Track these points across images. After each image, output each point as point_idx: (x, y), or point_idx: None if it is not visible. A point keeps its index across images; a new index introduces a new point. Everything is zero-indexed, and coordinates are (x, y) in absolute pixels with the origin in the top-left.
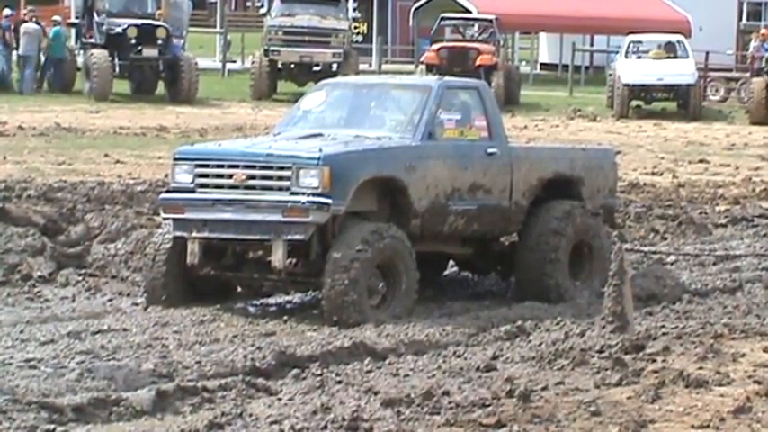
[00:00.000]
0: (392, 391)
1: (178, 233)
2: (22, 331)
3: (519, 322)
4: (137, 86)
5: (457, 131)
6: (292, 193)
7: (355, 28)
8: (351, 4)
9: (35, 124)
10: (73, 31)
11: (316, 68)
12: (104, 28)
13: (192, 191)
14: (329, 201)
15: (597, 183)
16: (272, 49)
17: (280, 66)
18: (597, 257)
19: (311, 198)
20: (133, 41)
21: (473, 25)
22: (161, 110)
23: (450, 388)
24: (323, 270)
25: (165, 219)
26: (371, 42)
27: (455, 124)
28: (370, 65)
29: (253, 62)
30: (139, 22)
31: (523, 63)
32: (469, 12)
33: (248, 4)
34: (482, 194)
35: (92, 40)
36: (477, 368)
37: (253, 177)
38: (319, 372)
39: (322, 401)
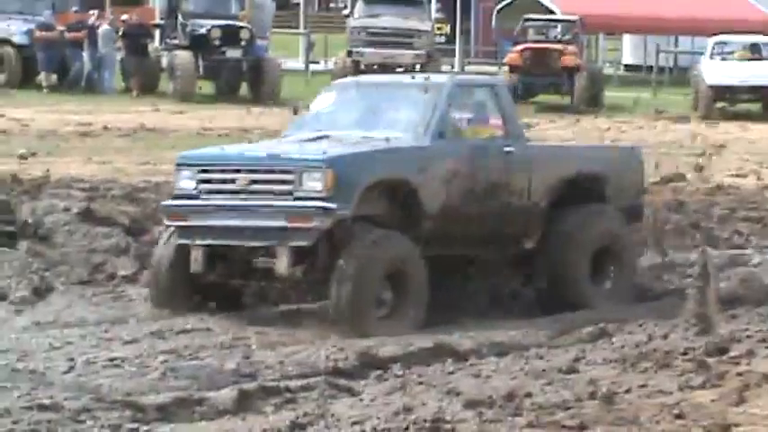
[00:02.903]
0: (474, 393)
1: (182, 241)
2: (106, 330)
3: (601, 324)
4: (220, 87)
5: (470, 130)
6: (296, 198)
7: (438, 29)
8: (434, 5)
9: (120, 124)
10: (157, 32)
11: (398, 70)
12: (188, 29)
13: (196, 197)
14: (333, 205)
15: (623, 182)
16: (355, 50)
17: (363, 67)
18: (621, 261)
19: (314, 203)
20: (217, 42)
21: (556, 26)
22: (244, 111)
23: (533, 389)
24: (329, 278)
25: (168, 226)
26: (454, 43)
27: (468, 123)
28: (453, 66)
29: (336, 63)
30: (223, 23)
31: (607, 64)
32: (553, 13)
33: (332, 5)
34: (498, 195)
35: (176, 41)
36: (560, 370)
37: (256, 182)
38: (401, 373)
39: (404, 402)
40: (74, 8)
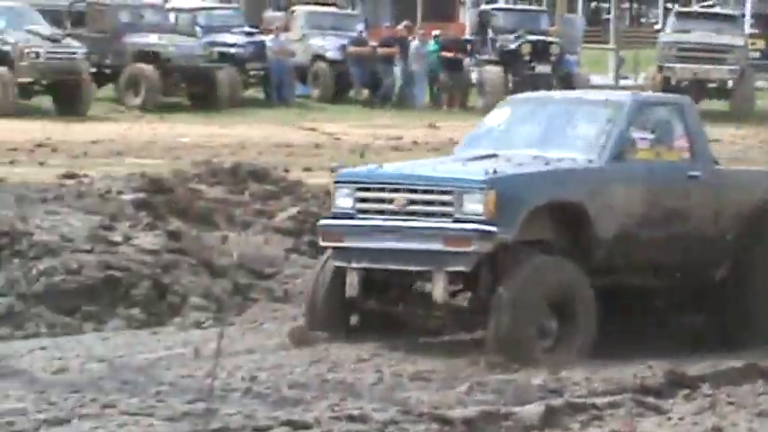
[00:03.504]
0: None
1: (337, 263)
2: (413, 343)
3: None
4: None
5: (652, 152)
6: (455, 220)
7: (752, 44)
8: (748, 20)
9: (429, 139)
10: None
11: (710, 85)
12: (498, 44)
13: (353, 216)
14: (494, 228)
15: None
16: (666, 65)
17: (673, 82)
18: None
19: (474, 225)
20: (526, 58)
21: None
22: None
23: None
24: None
25: (324, 247)
26: None
27: (650, 144)
28: None
29: (646, 79)
30: (533, 38)
31: None
32: None
33: (643, 20)
34: (681, 222)
35: (486, 57)
36: None
37: (414, 202)
38: (710, 392)
39: (713, 423)
40: (386, 24)
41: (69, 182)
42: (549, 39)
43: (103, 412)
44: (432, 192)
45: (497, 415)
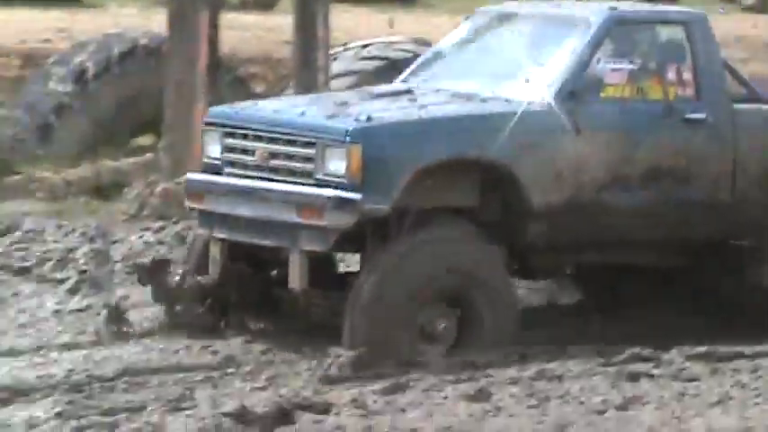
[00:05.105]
0: None
1: (200, 230)
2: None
3: None
4: None
5: (630, 88)
6: (315, 183)
7: None
8: None
9: None
10: None
11: None
12: None
13: (219, 170)
14: (357, 196)
15: None
16: None
17: None
18: None
19: (330, 191)
20: None
21: None
22: None
23: None
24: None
25: (189, 209)
26: None
27: (627, 77)
28: None
29: None
30: None
31: None
32: None
33: None
34: (674, 184)
35: None
36: None
37: (276, 155)
38: None
39: None
40: None
41: None
42: None
43: None
44: (293, 143)
45: None
